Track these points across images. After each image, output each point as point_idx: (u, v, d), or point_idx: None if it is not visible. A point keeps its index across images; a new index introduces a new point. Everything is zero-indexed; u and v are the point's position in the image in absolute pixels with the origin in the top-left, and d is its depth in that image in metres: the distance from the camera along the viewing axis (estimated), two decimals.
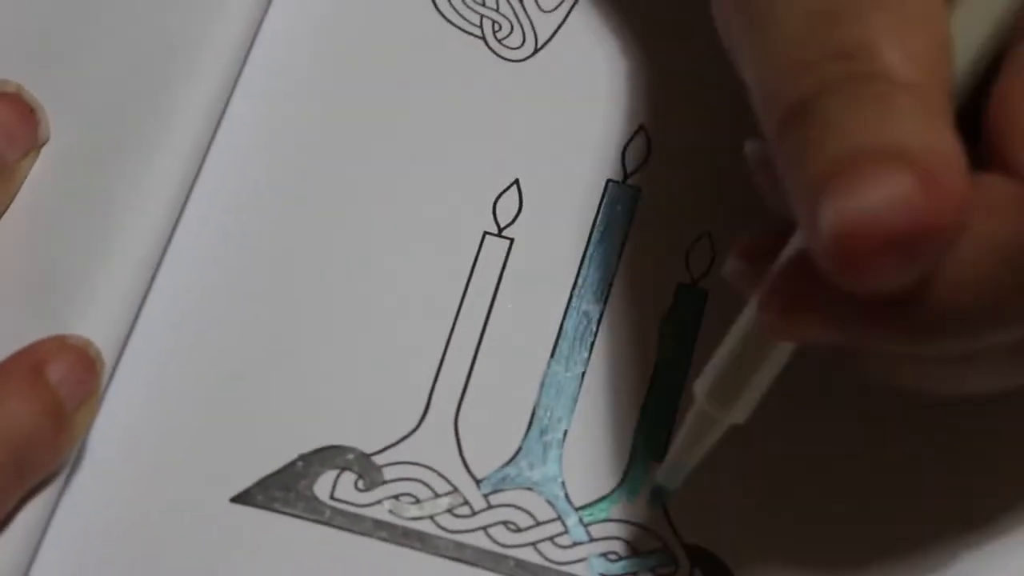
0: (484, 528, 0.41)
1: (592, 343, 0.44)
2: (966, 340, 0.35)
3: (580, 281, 0.44)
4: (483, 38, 0.47)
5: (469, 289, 0.44)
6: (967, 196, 0.32)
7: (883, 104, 0.32)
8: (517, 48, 0.47)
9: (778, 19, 0.34)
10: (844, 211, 0.31)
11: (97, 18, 0.45)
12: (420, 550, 0.41)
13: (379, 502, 0.42)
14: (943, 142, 0.32)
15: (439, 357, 0.43)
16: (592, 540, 0.41)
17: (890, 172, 0.31)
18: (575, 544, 0.41)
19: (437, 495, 0.42)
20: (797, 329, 0.35)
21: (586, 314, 0.44)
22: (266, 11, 0.47)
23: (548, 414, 0.43)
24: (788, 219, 0.35)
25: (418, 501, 0.42)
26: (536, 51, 0.47)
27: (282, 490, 0.42)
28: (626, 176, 0.46)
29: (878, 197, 0.31)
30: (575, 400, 0.43)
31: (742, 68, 0.36)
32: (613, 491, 0.42)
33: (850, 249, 0.31)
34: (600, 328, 0.44)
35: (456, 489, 0.42)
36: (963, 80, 0.34)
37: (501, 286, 0.44)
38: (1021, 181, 0.34)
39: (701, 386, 0.37)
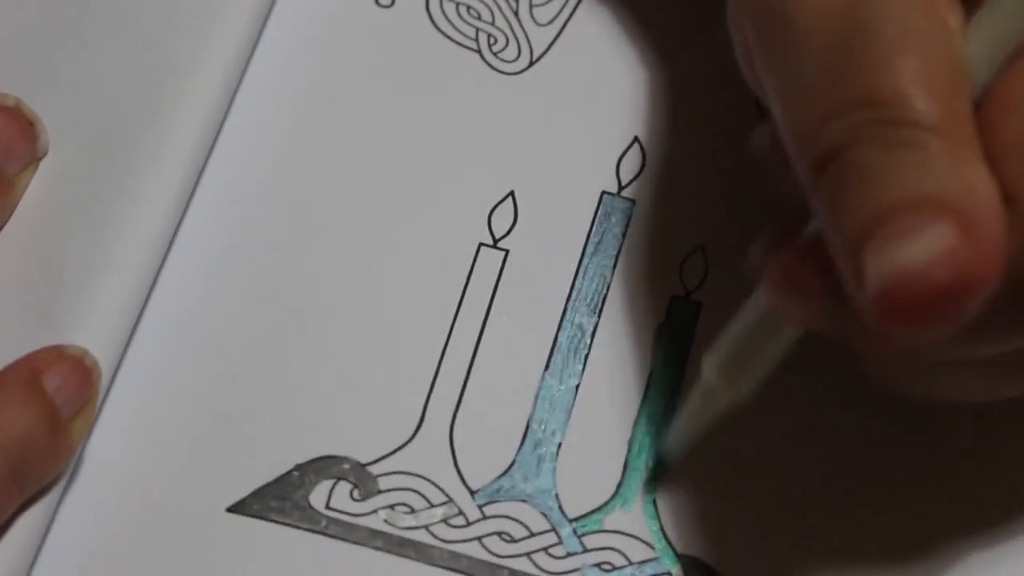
0: (479, 539, 0.42)
1: (586, 355, 0.44)
2: (955, 348, 0.35)
3: (574, 293, 0.45)
4: (479, 51, 0.48)
5: (464, 300, 0.44)
6: (1003, 241, 0.32)
7: (915, 151, 0.32)
8: (512, 61, 0.48)
9: (801, 65, 0.34)
10: (888, 267, 0.32)
11: (95, 31, 0.45)
12: (415, 560, 0.41)
13: (374, 512, 0.42)
14: (977, 183, 0.33)
15: (434, 368, 0.43)
16: (586, 551, 0.42)
17: (932, 223, 0.32)
18: (569, 555, 0.42)
19: (432, 505, 0.42)
20: (794, 306, 0.36)
21: (580, 326, 0.44)
22: (265, 23, 0.47)
23: (542, 427, 0.43)
24: (793, 202, 0.35)
25: (413, 511, 0.42)
26: (531, 64, 0.48)
27: (278, 500, 0.42)
28: (621, 188, 0.46)
29: (922, 251, 0.32)
30: (569, 413, 0.43)
31: (767, 101, 0.36)
32: (607, 502, 0.42)
33: (897, 305, 0.32)
34: (594, 340, 0.44)
35: (451, 499, 0.42)
36: (976, 96, 0.34)
37: (496, 298, 0.44)
38: (1010, 197, 0.34)
39: (709, 360, 0.39)
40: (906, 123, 0.33)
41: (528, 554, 0.42)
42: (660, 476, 0.42)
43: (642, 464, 0.42)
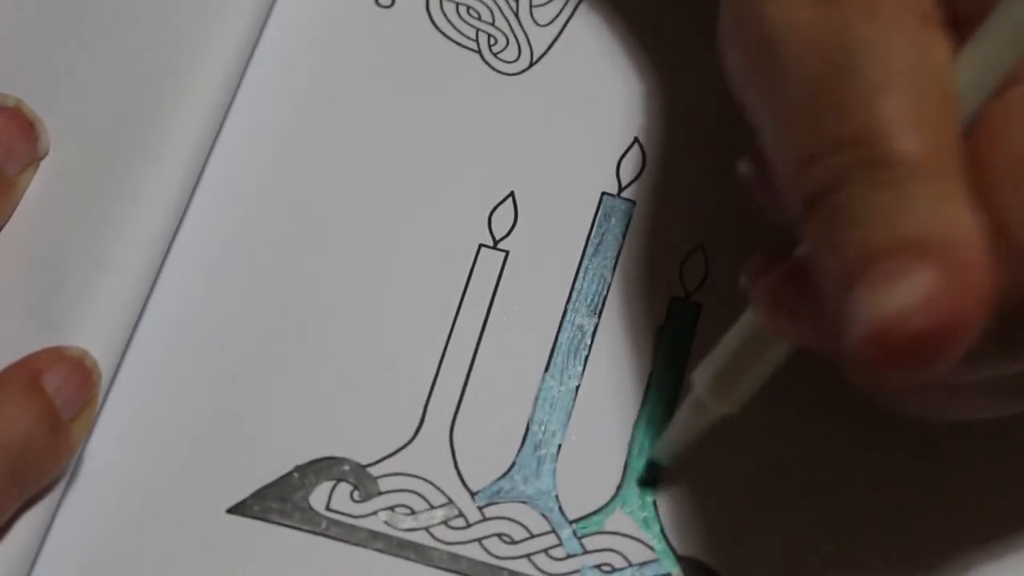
0: (479, 540, 0.42)
1: (586, 356, 0.44)
2: (951, 376, 0.35)
3: (574, 294, 0.45)
4: (479, 52, 0.48)
5: (464, 301, 0.44)
6: (988, 279, 0.32)
7: (899, 191, 0.32)
8: (513, 62, 0.48)
9: (788, 101, 0.34)
10: (871, 313, 0.32)
11: (95, 31, 0.45)
12: (415, 561, 0.41)
13: (374, 513, 0.42)
14: (961, 222, 0.32)
15: (435, 369, 0.43)
16: (586, 552, 0.42)
17: (914, 267, 0.32)
18: (569, 556, 0.42)
19: (432, 507, 0.42)
20: (783, 326, 0.36)
21: (580, 327, 0.44)
22: (265, 24, 0.47)
23: (542, 428, 0.43)
24: (788, 232, 0.35)
25: (413, 512, 0.42)
26: (531, 64, 0.47)
27: (278, 501, 0.42)
28: (621, 189, 0.46)
29: (904, 297, 0.32)
30: (569, 414, 0.43)
31: (757, 131, 0.36)
32: (607, 504, 0.42)
33: (881, 350, 0.32)
34: (594, 341, 0.44)
35: (451, 501, 0.42)
36: (964, 126, 0.34)
37: (496, 299, 0.44)
38: (1000, 229, 0.34)
39: (700, 375, 0.39)
40: (890, 163, 0.33)
41: (528, 556, 0.42)
42: (660, 478, 0.42)
43: (642, 466, 0.42)
